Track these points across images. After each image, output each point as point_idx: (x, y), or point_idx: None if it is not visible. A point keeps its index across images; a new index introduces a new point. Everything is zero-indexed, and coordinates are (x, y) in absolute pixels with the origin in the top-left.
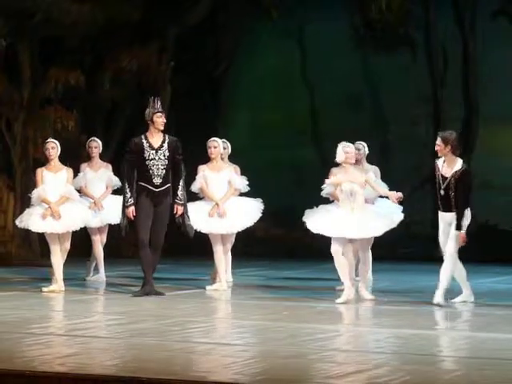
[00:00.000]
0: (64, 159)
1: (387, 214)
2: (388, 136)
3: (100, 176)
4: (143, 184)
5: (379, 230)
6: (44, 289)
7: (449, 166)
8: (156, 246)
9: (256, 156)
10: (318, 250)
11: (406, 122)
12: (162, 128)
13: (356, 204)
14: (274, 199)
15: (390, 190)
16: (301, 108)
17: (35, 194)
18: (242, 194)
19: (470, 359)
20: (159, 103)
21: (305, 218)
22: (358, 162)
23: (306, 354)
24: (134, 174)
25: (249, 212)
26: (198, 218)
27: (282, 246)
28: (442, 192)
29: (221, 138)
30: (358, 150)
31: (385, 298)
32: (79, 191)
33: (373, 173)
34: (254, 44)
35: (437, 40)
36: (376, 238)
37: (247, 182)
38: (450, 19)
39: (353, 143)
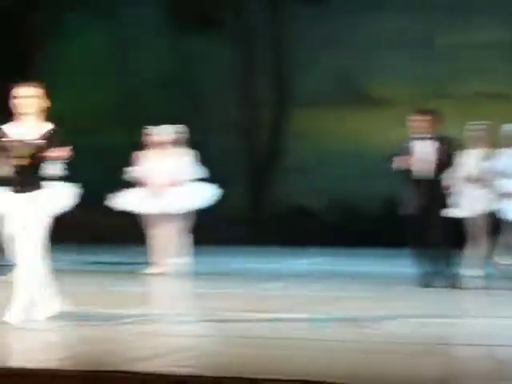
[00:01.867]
0: None
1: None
2: (204, 120)
3: None
4: None
5: None
6: None
7: None
8: None
9: (68, 140)
10: (133, 234)
11: (221, 105)
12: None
13: None
14: (85, 183)
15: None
16: (109, 91)
17: None
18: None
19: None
20: None
21: (112, 202)
22: (173, 144)
23: (112, 337)
24: None
25: (60, 197)
26: None
27: (97, 231)
28: None
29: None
30: (171, 133)
31: None
32: None
33: (187, 156)
34: (62, 25)
35: (249, 23)
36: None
37: (64, 167)
38: (262, 2)
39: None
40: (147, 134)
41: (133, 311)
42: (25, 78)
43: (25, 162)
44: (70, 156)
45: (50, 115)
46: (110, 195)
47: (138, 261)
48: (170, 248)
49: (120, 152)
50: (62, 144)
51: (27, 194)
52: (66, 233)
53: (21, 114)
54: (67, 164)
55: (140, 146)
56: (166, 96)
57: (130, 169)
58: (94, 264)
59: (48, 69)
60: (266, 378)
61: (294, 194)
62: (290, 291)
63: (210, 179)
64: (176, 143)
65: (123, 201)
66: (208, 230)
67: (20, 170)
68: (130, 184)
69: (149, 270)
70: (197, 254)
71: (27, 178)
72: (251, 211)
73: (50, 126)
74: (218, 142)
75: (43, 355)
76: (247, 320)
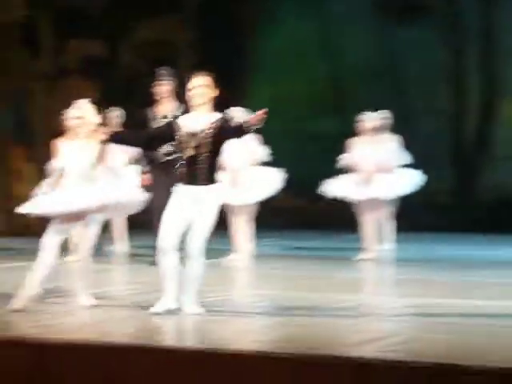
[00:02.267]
0: None
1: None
2: (409, 106)
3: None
4: None
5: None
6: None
7: None
8: None
9: (276, 126)
10: (340, 220)
11: (426, 92)
12: (157, 97)
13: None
14: (296, 170)
15: (414, 160)
16: (321, 78)
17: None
18: (263, 164)
19: (489, 327)
20: (161, 73)
21: (323, 189)
22: (380, 131)
23: (324, 322)
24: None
25: (268, 182)
26: None
27: (304, 217)
28: None
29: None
30: (384, 119)
31: None
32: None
33: (394, 142)
34: (274, 14)
35: (458, 9)
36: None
37: (269, 152)
38: None
39: (374, 113)
40: (359, 121)
41: (342, 297)
42: (239, 67)
43: (193, 152)
44: (262, 119)
45: (260, 102)
46: (323, 182)
47: (347, 247)
48: (378, 234)
49: (331, 139)
50: (234, 131)
51: (197, 186)
52: (275, 218)
53: (193, 105)
54: (273, 149)
55: (352, 132)
56: (373, 83)
57: (341, 156)
58: (302, 249)
59: (259, 58)
60: (475, 364)
61: (502, 182)
62: (493, 279)
63: (415, 165)
64: (382, 129)
65: (335, 188)
66: (411, 217)
67: (189, 162)
68: (342, 171)
69: (359, 256)
70: (402, 240)
71: (197, 170)
72: (456, 198)
73: (218, 116)
74: (424, 129)
75: (256, 337)
76: (450, 306)
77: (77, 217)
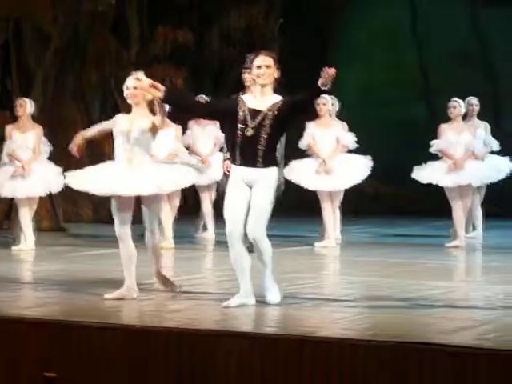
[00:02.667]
0: (172, 117)
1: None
2: (499, 93)
3: (207, 133)
4: None
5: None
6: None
7: None
8: None
9: (365, 113)
10: (428, 207)
11: None
12: (247, 84)
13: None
14: (383, 156)
15: (502, 147)
16: (410, 64)
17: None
18: (350, 151)
19: None
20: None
21: (413, 174)
22: (469, 117)
23: (415, 309)
24: None
25: (357, 169)
26: (306, 175)
27: (392, 204)
28: None
29: (329, 94)
30: (475, 105)
31: None
32: (187, 148)
33: (483, 129)
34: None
35: None
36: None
37: (355, 139)
38: None
39: (463, 99)
40: (449, 107)
41: (434, 283)
42: (327, 55)
43: (252, 132)
44: (333, 76)
45: (348, 89)
46: (414, 168)
47: (435, 234)
48: (466, 221)
49: (421, 125)
50: (304, 103)
51: (250, 168)
52: (364, 204)
53: (259, 84)
54: (362, 136)
55: (442, 118)
56: (463, 68)
57: (433, 142)
58: (391, 236)
59: (346, 41)
60: None
61: None
62: None
63: (503, 152)
64: (471, 115)
65: (425, 174)
66: (500, 203)
67: (248, 142)
68: (434, 157)
69: (450, 243)
70: (492, 227)
71: (255, 151)
72: None
73: (279, 98)
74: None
75: (348, 325)
76: None
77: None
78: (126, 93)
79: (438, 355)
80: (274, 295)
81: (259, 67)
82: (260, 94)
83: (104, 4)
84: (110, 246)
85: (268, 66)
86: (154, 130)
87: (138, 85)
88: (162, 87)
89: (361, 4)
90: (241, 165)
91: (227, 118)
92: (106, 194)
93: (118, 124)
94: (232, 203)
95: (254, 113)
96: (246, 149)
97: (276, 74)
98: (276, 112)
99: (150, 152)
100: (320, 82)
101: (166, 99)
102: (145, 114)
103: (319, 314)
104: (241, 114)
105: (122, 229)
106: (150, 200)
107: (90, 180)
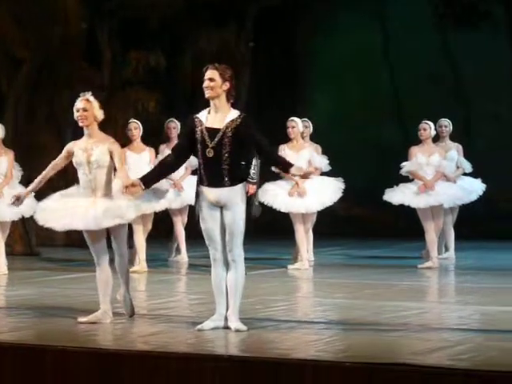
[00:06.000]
0: (145, 140)
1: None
2: (471, 114)
3: None
4: None
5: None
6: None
7: None
8: None
9: (338, 136)
10: (401, 229)
11: (488, 99)
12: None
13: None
14: (357, 178)
15: (474, 168)
16: (382, 87)
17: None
18: (323, 174)
19: None
20: None
21: (385, 197)
22: (441, 138)
23: (389, 331)
24: None
25: (329, 191)
26: (279, 197)
27: (365, 226)
28: None
29: (302, 117)
30: (445, 126)
31: None
32: None
33: (455, 150)
34: (333, 23)
35: None
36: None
37: (327, 161)
38: None
39: (435, 121)
40: (420, 129)
41: (408, 304)
42: (301, 78)
43: (211, 153)
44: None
45: (322, 112)
46: (386, 190)
47: (408, 255)
48: (438, 242)
49: (394, 147)
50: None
51: (218, 188)
52: (335, 227)
53: (207, 98)
54: (335, 158)
55: (413, 140)
56: (435, 91)
57: (403, 164)
58: (364, 258)
59: (318, 64)
60: None
61: None
62: None
63: (475, 173)
64: (443, 137)
65: (397, 195)
66: (472, 225)
67: (208, 164)
68: (405, 179)
69: (423, 265)
70: (463, 248)
71: (216, 172)
72: None
73: (237, 113)
74: (485, 136)
75: (321, 347)
76: None
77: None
78: (75, 115)
79: (413, 376)
80: (237, 323)
81: (204, 81)
82: (214, 110)
83: (76, 27)
84: (83, 270)
85: (211, 79)
86: (112, 153)
87: (87, 106)
88: (136, 181)
89: (333, 28)
90: (208, 186)
91: (193, 144)
92: (70, 229)
93: (76, 156)
94: (207, 228)
95: (213, 131)
96: (210, 170)
97: (225, 86)
98: (234, 129)
99: (113, 176)
100: (292, 171)
101: (148, 187)
102: (99, 138)
103: (293, 337)
104: (198, 134)
105: (98, 256)
106: (116, 228)
107: (54, 218)
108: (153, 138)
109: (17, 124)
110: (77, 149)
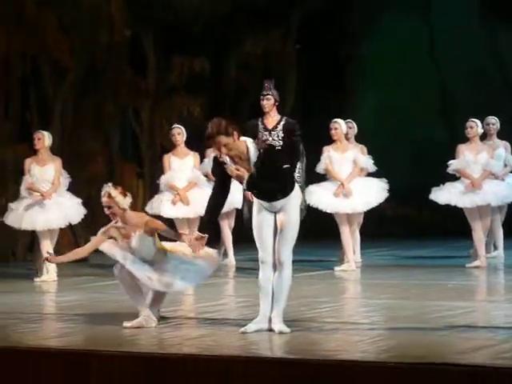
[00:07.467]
0: (190, 145)
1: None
2: None
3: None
4: None
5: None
6: None
7: None
8: None
9: (384, 136)
10: (449, 228)
11: None
12: (266, 110)
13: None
14: (402, 178)
15: None
16: (428, 85)
17: (163, 180)
18: (369, 175)
19: None
20: (266, 86)
21: (432, 196)
22: (488, 136)
23: (434, 330)
24: None
25: (374, 191)
26: (324, 198)
27: (412, 225)
28: None
29: (347, 118)
30: (492, 124)
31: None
32: (206, 176)
33: (503, 148)
34: (378, 25)
35: None
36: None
37: (373, 162)
38: None
39: (482, 119)
40: (467, 127)
41: (455, 303)
42: (345, 77)
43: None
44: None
45: (367, 110)
46: (432, 189)
47: (456, 255)
48: (487, 241)
49: (441, 146)
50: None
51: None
52: (382, 227)
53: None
54: (380, 158)
55: (461, 139)
56: (482, 89)
57: (450, 162)
58: (411, 258)
59: (363, 67)
60: None
61: None
62: None
63: None
64: (490, 135)
65: (444, 195)
66: None
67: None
68: (452, 177)
69: (471, 264)
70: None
71: (271, 184)
72: None
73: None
74: None
75: (365, 348)
76: None
77: None
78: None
79: (458, 375)
80: (281, 325)
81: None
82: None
83: (120, 34)
84: None
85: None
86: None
87: (110, 203)
88: (199, 235)
89: (378, 30)
90: (260, 199)
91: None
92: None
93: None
94: (259, 230)
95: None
96: (262, 182)
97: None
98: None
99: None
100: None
101: (212, 223)
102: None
103: (338, 338)
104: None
105: None
106: None
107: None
108: (198, 143)
109: (64, 131)
110: (116, 234)
